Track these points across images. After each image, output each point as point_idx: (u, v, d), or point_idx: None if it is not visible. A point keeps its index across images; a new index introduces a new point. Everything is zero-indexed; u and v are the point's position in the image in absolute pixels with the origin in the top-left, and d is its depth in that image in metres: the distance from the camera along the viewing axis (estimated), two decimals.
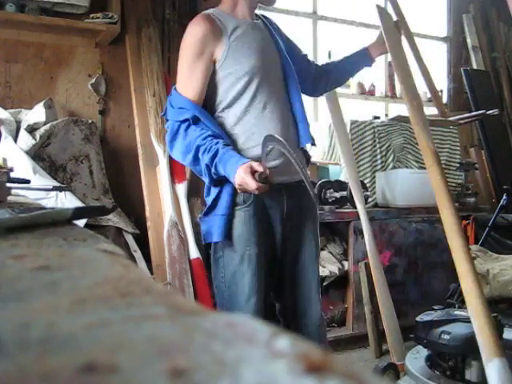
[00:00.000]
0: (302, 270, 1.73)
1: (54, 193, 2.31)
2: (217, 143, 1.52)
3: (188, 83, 1.60)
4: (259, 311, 1.61)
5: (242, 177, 1.45)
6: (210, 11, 1.69)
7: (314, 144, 1.80)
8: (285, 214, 1.67)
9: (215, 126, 1.59)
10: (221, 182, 1.58)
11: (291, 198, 1.67)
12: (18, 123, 2.62)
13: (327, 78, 1.96)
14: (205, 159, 1.52)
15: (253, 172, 1.45)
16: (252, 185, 1.44)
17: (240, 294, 1.62)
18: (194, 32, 1.60)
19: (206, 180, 1.59)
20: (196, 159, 1.56)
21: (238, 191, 1.54)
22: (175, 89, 1.64)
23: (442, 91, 4.31)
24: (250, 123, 1.62)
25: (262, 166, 1.46)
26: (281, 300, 1.77)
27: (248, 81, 1.61)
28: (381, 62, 4.23)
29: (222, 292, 1.66)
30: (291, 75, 1.73)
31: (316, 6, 3.89)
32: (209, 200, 1.63)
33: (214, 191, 1.61)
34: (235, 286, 1.62)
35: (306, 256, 1.73)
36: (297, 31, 3.58)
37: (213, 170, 1.52)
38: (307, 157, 1.79)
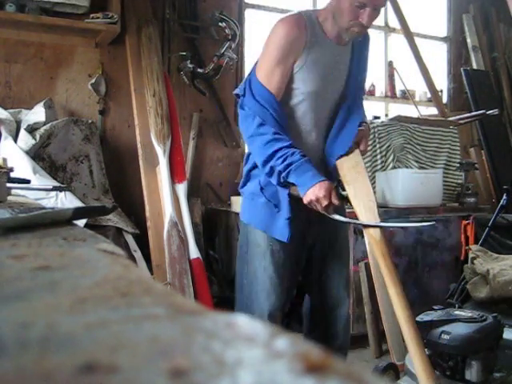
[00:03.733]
0: (329, 269, 1.78)
1: (53, 193, 2.31)
2: (294, 153, 1.53)
3: (271, 77, 1.59)
4: (278, 309, 1.64)
5: (317, 193, 1.50)
6: (306, 14, 1.66)
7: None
8: (313, 215, 1.67)
9: (287, 128, 1.61)
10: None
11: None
12: (18, 123, 2.62)
13: None
14: (279, 165, 1.53)
15: (329, 195, 1.51)
16: (324, 203, 1.50)
17: (261, 290, 1.64)
18: (286, 32, 1.59)
19: (273, 181, 1.60)
20: (269, 159, 1.56)
21: (305, 203, 1.55)
22: (256, 76, 1.62)
23: (442, 91, 4.31)
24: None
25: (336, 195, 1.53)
26: (309, 298, 1.82)
27: (302, 100, 1.64)
28: (381, 62, 4.23)
29: (242, 289, 1.69)
30: (350, 100, 1.72)
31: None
32: (268, 187, 1.64)
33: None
34: (256, 282, 1.64)
35: (335, 255, 1.78)
36: None
37: (283, 175, 1.53)
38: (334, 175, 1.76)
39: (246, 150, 1.74)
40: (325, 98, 1.68)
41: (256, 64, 1.66)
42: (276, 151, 1.53)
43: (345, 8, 1.54)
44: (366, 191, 1.69)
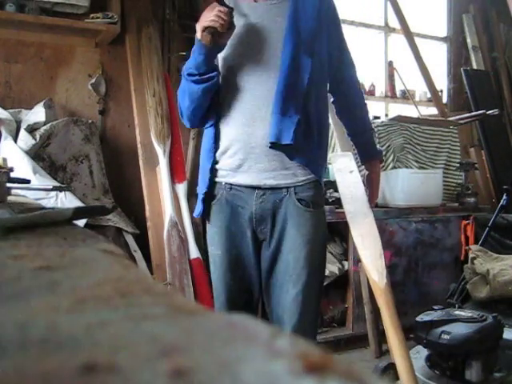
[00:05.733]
0: (276, 280, 1.56)
1: (53, 193, 2.31)
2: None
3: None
4: (229, 310, 1.58)
5: (203, 15, 1.45)
6: None
7: (283, 143, 1.49)
8: (254, 217, 1.54)
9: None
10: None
11: (264, 202, 1.53)
12: (18, 123, 2.62)
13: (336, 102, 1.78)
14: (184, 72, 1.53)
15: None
16: (212, 13, 1.42)
17: (214, 289, 1.64)
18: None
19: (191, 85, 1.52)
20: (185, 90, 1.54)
21: (203, 34, 1.46)
22: None
23: (442, 91, 4.31)
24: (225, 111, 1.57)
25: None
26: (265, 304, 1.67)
27: (223, 67, 1.57)
28: (381, 62, 4.23)
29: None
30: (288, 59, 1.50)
31: None
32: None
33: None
34: (211, 266, 1.66)
35: (281, 267, 1.53)
36: None
37: (190, 69, 1.50)
38: (289, 155, 1.51)
39: None
40: (255, 61, 1.53)
41: None
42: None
43: None
44: (375, 246, 1.65)
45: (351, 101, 1.75)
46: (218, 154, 1.59)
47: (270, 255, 1.56)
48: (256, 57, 1.54)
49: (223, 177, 1.59)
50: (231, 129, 1.55)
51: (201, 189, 1.63)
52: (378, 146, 1.84)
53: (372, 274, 1.61)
